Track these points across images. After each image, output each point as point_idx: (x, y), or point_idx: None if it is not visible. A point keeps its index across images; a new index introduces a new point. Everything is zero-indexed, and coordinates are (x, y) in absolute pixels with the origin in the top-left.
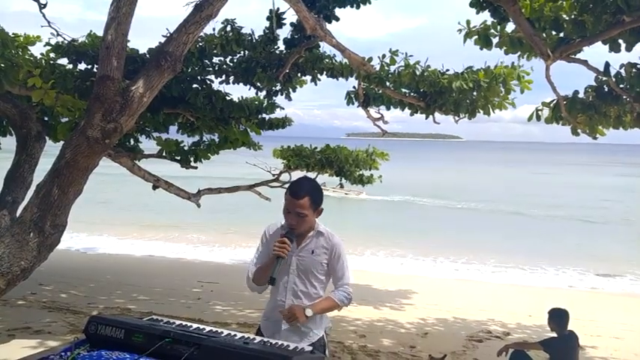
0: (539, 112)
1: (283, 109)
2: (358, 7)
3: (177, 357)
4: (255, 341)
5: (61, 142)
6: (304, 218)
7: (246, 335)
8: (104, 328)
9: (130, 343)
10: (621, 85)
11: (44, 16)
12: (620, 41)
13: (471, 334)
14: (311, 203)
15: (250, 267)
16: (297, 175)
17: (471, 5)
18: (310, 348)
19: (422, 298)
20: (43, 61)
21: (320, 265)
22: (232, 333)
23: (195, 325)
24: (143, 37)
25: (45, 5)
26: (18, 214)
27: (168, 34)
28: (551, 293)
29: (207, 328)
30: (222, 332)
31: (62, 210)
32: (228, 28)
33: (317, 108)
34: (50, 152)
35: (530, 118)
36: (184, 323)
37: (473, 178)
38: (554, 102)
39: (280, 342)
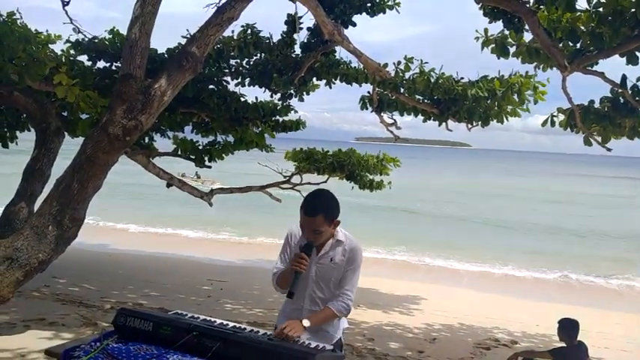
0: (554, 118)
1: (297, 111)
2: (374, 15)
3: (203, 350)
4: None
5: (77, 138)
6: (320, 234)
7: (268, 332)
8: (133, 320)
9: (158, 336)
10: (637, 98)
11: (67, 13)
12: (638, 54)
13: (478, 341)
14: (325, 219)
15: (275, 268)
16: (308, 177)
17: (485, 14)
18: (331, 347)
19: (430, 305)
20: (63, 58)
21: (338, 273)
22: (255, 329)
23: (219, 321)
24: (160, 34)
25: (68, 2)
26: (36, 207)
27: (189, 35)
28: (558, 304)
29: (231, 324)
30: (245, 328)
31: (81, 204)
32: (249, 31)
33: (327, 111)
34: (66, 149)
35: (544, 124)
36: (208, 318)
37: (480, 187)
38: (569, 110)
39: (302, 340)
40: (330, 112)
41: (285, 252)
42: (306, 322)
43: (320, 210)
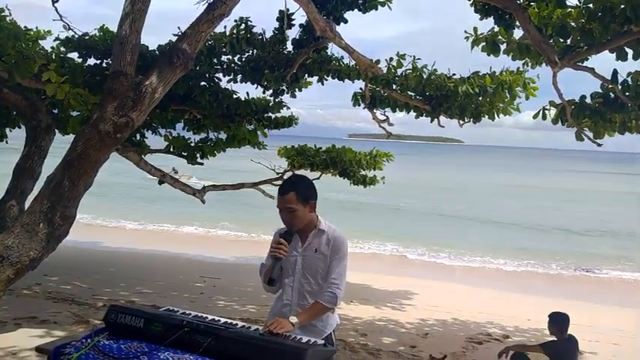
0: (546, 112)
1: (289, 108)
2: (366, 11)
3: (195, 346)
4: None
5: (68, 136)
6: (294, 213)
7: (260, 328)
8: (124, 317)
9: (149, 332)
10: (627, 93)
11: (57, 10)
12: (628, 50)
13: (470, 335)
14: (298, 197)
15: (262, 266)
16: (301, 174)
17: (476, 11)
18: (322, 342)
19: (422, 300)
20: (53, 55)
21: (324, 263)
22: (247, 325)
23: (210, 317)
24: (151, 32)
25: None
26: (27, 205)
27: (180, 32)
28: (550, 298)
29: (222, 320)
30: (236, 324)
31: (72, 202)
32: (242, 27)
33: (320, 108)
34: (57, 146)
35: (536, 116)
36: (200, 314)
37: (471, 184)
38: (560, 106)
39: (294, 335)
40: (323, 108)
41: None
42: (293, 319)
43: (291, 187)
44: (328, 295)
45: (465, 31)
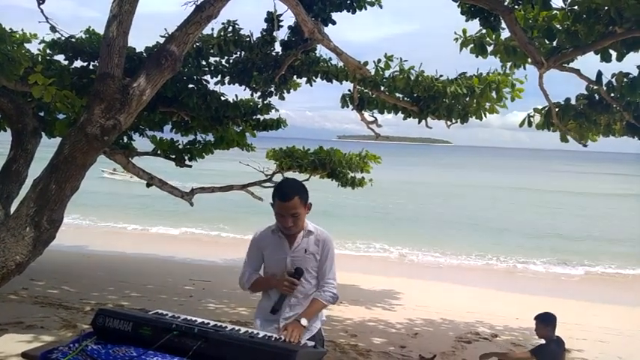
0: (531, 119)
1: (278, 110)
2: (354, 12)
3: (184, 350)
4: (260, 336)
5: (54, 139)
6: (299, 217)
7: (250, 330)
8: (112, 321)
9: (138, 336)
10: (612, 94)
11: (42, 12)
12: (612, 51)
13: (459, 335)
14: (301, 201)
15: (245, 271)
16: (289, 175)
17: (462, 13)
18: (313, 343)
19: (411, 300)
20: (39, 57)
21: (313, 263)
22: (236, 327)
23: (200, 320)
24: (137, 34)
25: (43, 1)
26: (13, 209)
27: (168, 34)
28: (537, 297)
29: (212, 323)
30: (226, 327)
31: (59, 205)
32: (229, 29)
33: (309, 110)
34: (43, 150)
35: (521, 124)
36: (189, 317)
37: (457, 184)
38: (546, 108)
39: (284, 337)
40: (312, 110)
41: (252, 255)
42: (304, 322)
43: (295, 192)
44: (330, 295)
45: (455, 33)
